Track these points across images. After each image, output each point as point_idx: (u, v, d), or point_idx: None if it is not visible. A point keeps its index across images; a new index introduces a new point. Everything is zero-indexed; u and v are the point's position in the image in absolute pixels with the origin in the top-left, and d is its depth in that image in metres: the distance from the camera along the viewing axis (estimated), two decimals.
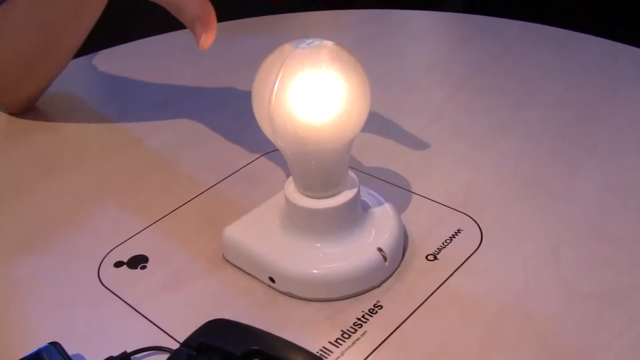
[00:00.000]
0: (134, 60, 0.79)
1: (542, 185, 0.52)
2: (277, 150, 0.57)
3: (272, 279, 0.43)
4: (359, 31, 0.83)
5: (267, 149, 0.59)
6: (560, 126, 0.60)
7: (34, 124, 0.67)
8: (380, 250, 0.43)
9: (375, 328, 0.41)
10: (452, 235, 0.47)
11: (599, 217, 0.49)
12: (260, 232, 0.45)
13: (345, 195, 0.43)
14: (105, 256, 0.48)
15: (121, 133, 0.65)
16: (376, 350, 0.39)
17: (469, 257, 0.45)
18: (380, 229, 0.45)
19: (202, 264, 0.47)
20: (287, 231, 0.44)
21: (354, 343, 0.40)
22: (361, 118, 0.40)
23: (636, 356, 0.38)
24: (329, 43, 0.39)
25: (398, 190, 0.52)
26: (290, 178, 0.45)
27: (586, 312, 0.41)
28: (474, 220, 0.49)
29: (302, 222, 0.44)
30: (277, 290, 0.44)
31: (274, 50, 0.40)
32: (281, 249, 0.44)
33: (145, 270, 0.47)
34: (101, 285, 0.46)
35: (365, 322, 0.41)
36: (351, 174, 0.44)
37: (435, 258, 0.46)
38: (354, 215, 0.44)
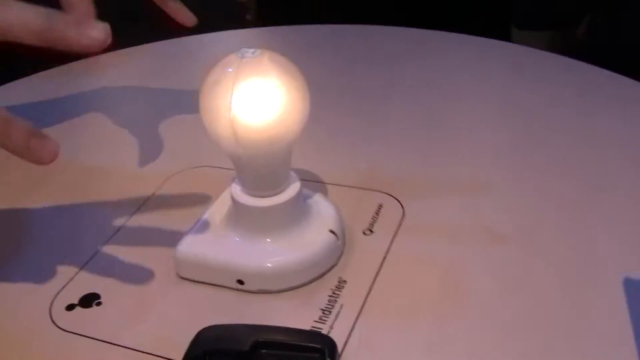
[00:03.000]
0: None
1: (428, 148, 0.60)
2: (180, 172, 0.59)
3: (240, 281, 0.46)
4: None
5: (171, 172, 0.60)
6: (426, 103, 0.69)
7: None
8: (332, 231, 0.47)
9: (349, 299, 0.45)
10: (377, 210, 0.53)
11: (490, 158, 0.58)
12: (215, 241, 0.47)
13: (294, 189, 0.46)
14: (53, 301, 0.47)
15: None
16: (360, 316, 0.44)
17: (400, 224, 0.51)
18: (322, 214, 0.49)
19: (159, 286, 0.47)
20: (241, 233, 0.47)
21: (337, 317, 0.44)
22: (306, 116, 0.44)
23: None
24: (267, 51, 0.42)
25: (311, 184, 0.56)
26: (234, 184, 0.47)
27: (505, 251, 0.49)
28: (390, 195, 0.55)
29: (256, 220, 0.46)
30: (247, 291, 0.46)
31: (218, 63, 0.42)
32: (243, 251, 0.46)
33: (101, 306, 0.46)
34: (62, 331, 0.45)
35: (338, 297, 0.45)
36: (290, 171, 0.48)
37: (371, 231, 0.51)
38: (301, 206, 0.48)
